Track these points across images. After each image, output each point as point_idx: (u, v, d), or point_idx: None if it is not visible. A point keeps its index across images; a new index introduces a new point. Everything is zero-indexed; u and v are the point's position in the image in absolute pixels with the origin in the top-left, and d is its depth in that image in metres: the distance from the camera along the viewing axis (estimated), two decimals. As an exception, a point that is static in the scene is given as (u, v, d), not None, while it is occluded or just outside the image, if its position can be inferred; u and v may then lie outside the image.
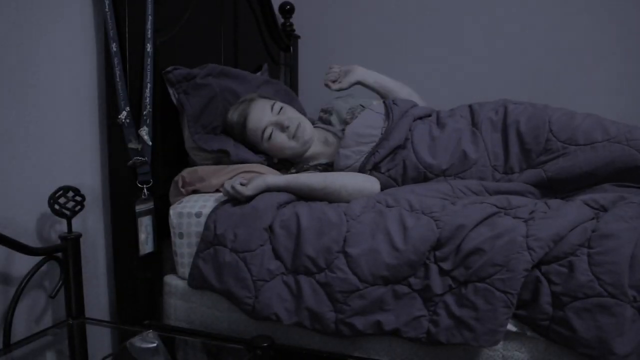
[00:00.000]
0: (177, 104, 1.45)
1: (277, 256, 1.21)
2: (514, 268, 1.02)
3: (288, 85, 2.24)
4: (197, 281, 1.28)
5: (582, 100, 1.98)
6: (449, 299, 1.07)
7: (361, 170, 1.40)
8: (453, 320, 1.06)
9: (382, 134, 1.43)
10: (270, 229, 1.23)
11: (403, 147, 1.40)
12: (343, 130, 1.52)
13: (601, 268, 0.97)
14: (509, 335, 1.07)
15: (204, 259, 1.27)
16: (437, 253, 1.09)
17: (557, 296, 1.00)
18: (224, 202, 1.31)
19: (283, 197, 1.29)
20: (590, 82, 2.00)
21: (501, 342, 1.08)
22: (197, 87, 1.44)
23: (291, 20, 2.29)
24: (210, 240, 1.26)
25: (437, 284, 1.08)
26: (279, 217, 1.24)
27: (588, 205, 1.12)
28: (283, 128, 1.46)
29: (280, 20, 2.28)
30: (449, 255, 1.08)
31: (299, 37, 2.35)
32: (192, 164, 1.50)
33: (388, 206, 1.20)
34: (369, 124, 1.45)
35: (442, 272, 1.08)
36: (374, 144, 1.41)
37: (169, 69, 1.40)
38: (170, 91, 1.43)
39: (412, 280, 1.10)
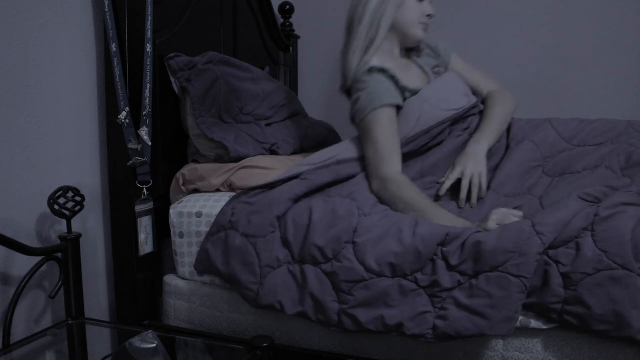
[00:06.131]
0: (179, 92, 1.45)
1: (286, 244, 1.21)
2: (526, 252, 1.01)
3: (288, 86, 2.25)
4: (203, 265, 1.27)
5: (582, 100, 1.98)
6: (458, 294, 1.06)
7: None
8: (464, 311, 1.04)
9: None
10: (283, 217, 1.23)
11: None
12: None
13: (606, 242, 0.99)
14: (509, 335, 1.07)
15: (214, 243, 1.26)
16: (444, 249, 1.08)
17: (568, 276, 1.00)
18: (245, 192, 1.31)
19: (301, 188, 1.28)
20: (591, 83, 2.00)
21: (501, 342, 1.08)
22: (200, 72, 1.44)
23: (291, 20, 2.29)
24: (223, 224, 1.26)
25: (446, 279, 1.07)
26: (293, 209, 1.24)
27: (582, 199, 1.12)
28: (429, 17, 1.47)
29: (280, 20, 2.28)
30: (455, 250, 1.07)
31: (298, 37, 2.34)
32: (193, 163, 1.50)
33: None
34: None
35: (450, 268, 1.07)
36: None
37: (170, 55, 1.41)
38: (172, 80, 1.43)
39: (418, 276, 1.09)
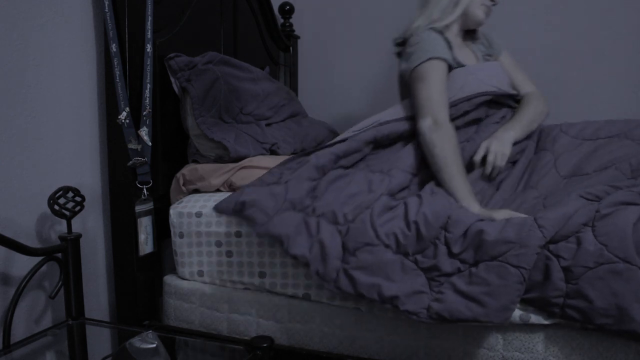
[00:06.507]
0: (179, 92, 1.45)
1: (315, 198, 1.23)
2: (527, 244, 1.02)
3: (288, 86, 2.25)
4: (230, 203, 1.27)
5: (582, 100, 1.98)
6: (457, 280, 1.07)
7: None
8: (460, 296, 1.05)
9: None
10: (324, 174, 1.29)
11: None
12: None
13: (606, 237, 0.99)
14: (509, 335, 1.07)
15: (255, 187, 1.28)
16: (447, 234, 1.09)
17: (569, 270, 1.01)
18: (291, 159, 1.37)
19: (342, 147, 1.35)
20: (591, 83, 2.00)
21: (501, 342, 1.08)
22: (200, 72, 1.44)
23: (291, 20, 2.29)
24: (268, 182, 1.30)
25: (446, 264, 1.08)
26: (336, 174, 1.29)
27: (584, 197, 1.13)
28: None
29: (280, 20, 2.28)
30: (458, 238, 1.08)
31: (298, 37, 2.34)
32: (193, 163, 1.50)
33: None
34: None
35: (451, 255, 1.08)
36: None
37: (170, 55, 1.41)
38: (172, 80, 1.44)
39: (419, 257, 1.10)
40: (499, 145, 1.36)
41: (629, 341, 1.00)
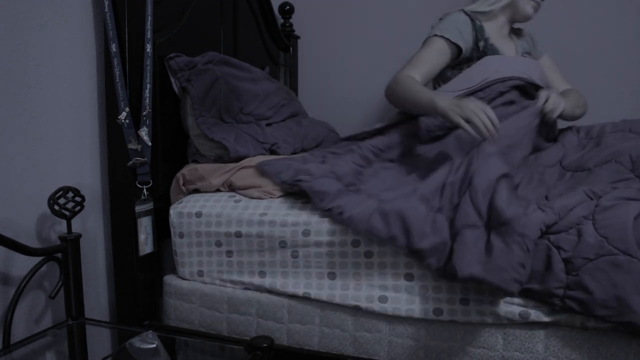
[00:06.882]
0: (179, 92, 1.45)
1: (358, 179, 1.31)
2: (531, 219, 1.04)
3: (288, 86, 2.25)
4: (285, 174, 1.31)
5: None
6: (470, 236, 1.06)
7: None
8: (469, 254, 1.05)
9: None
10: (367, 160, 1.41)
11: None
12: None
13: (607, 229, 0.99)
14: (509, 335, 1.08)
15: (299, 163, 1.37)
16: (471, 192, 1.12)
17: (570, 261, 1.01)
18: (334, 142, 1.54)
19: (384, 141, 1.46)
20: (591, 83, 2.00)
21: (501, 342, 1.08)
22: (200, 72, 1.45)
23: (291, 20, 2.29)
24: (314, 160, 1.41)
25: (467, 217, 1.08)
26: (381, 163, 1.42)
27: (586, 194, 1.13)
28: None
29: (280, 20, 2.28)
30: (480, 199, 1.10)
31: (298, 37, 2.35)
32: (193, 163, 1.50)
33: None
34: None
35: (474, 207, 1.09)
36: None
37: (170, 55, 1.41)
38: (172, 80, 1.44)
39: (446, 211, 1.13)
40: (557, 96, 1.42)
41: (629, 341, 1.00)
